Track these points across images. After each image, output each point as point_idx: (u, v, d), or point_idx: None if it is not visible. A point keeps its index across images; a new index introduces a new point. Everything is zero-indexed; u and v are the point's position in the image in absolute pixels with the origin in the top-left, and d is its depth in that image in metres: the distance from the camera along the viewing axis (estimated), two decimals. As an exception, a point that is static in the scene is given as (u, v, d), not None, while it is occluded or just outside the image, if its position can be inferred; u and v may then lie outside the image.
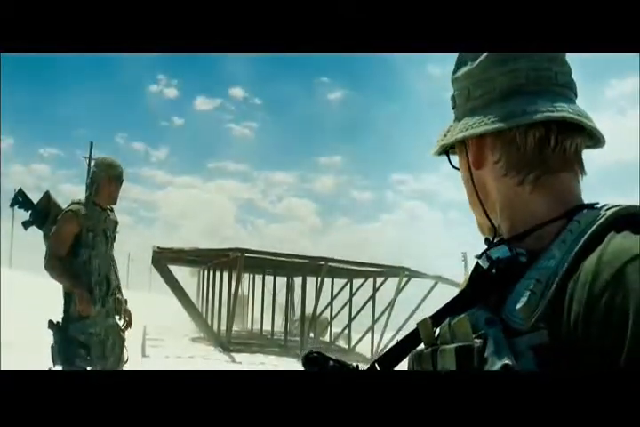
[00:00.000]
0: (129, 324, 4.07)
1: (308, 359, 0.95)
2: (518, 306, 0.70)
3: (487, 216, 0.85)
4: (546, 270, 0.70)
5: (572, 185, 0.79)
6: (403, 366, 0.88)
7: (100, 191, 3.98)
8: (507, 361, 0.66)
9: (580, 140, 0.79)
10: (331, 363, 0.93)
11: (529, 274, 0.72)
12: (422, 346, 0.82)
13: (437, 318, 0.81)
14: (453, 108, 0.88)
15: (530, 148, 0.77)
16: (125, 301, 4.10)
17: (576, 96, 0.81)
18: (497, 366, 0.67)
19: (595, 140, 0.82)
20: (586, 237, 0.70)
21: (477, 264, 0.84)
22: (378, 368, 0.86)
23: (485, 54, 0.82)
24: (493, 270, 0.79)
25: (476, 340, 0.70)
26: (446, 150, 0.89)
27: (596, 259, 0.67)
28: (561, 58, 0.81)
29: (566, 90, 0.80)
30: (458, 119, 0.85)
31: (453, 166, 0.90)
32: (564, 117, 0.76)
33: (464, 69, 0.84)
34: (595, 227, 0.70)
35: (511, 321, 0.71)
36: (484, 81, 0.81)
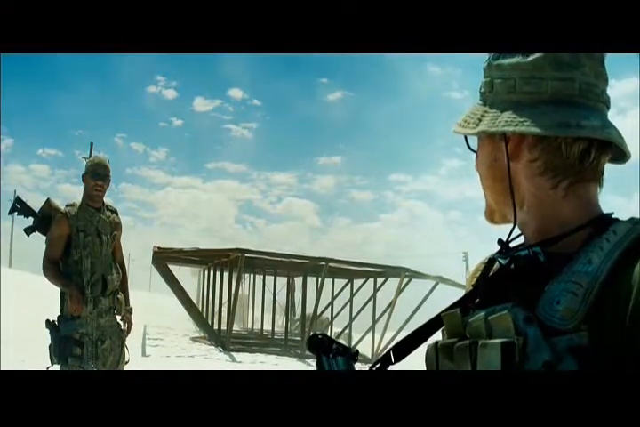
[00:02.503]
0: (127, 332, 4.09)
1: (313, 341, 0.97)
2: (560, 307, 0.73)
3: (514, 207, 0.86)
4: (585, 275, 0.74)
5: (595, 195, 0.84)
6: (406, 359, 0.90)
7: (85, 190, 4.02)
8: (547, 359, 0.71)
9: (609, 157, 0.84)
10: (334, 346, 0.96)
11: (565, 277, 0.75)
12: (445, 338, 0.85)
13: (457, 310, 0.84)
14: (484, 93, 0.87)
15: (572, 157, 0.81)
16: (130, 310, 4.10)
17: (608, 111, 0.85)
18: (538, 363, 0.71)
19: (620, 156, 0.86)
20: (624, 247, 0.74)
21: (493, 260, 0.88)
22: (392, 357, 0.90)
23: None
24: (512, 266, 0.83)
25: (517, 336, 0.73)
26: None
27: (639, 271, 0.71)
28: (606, 76, 0.84)
29: (606, 108, 0.84)
30: (497, 108, 0.85)
31: (471, 149, 0.92)
32: (611, 140, 0.80)
33: (511, 60, 0.84)
34: (631, 238, 0.75)
35: (548, 321, 0.74)
36: (535, 79, 0.82)
